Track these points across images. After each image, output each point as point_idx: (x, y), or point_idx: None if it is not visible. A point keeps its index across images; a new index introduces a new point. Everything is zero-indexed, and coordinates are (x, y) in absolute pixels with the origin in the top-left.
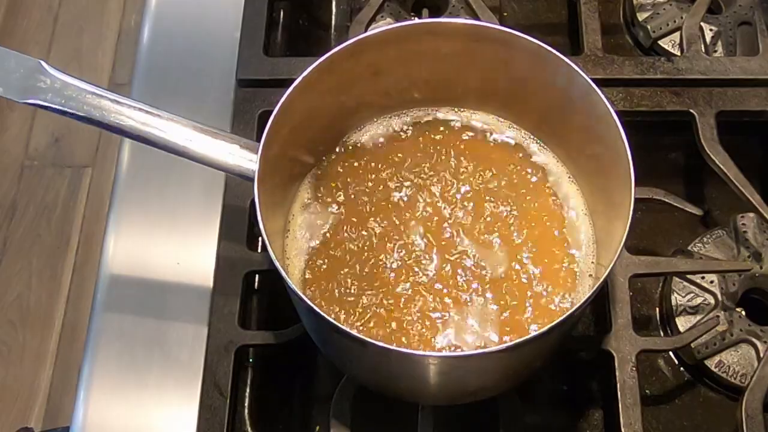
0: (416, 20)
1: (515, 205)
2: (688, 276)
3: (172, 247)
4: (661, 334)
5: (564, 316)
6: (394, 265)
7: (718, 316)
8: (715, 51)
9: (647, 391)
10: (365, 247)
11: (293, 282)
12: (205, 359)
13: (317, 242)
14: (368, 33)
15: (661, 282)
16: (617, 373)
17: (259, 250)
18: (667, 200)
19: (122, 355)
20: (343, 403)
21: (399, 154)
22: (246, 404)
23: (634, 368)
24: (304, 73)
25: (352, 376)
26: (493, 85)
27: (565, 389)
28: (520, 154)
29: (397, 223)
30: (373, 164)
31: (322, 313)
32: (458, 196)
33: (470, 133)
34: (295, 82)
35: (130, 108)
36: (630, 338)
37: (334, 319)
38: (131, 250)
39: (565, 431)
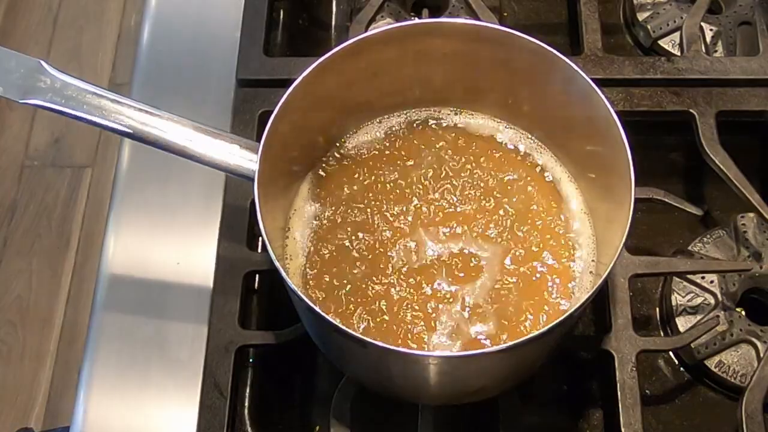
0: (416, 20)
1: (515, 206)
2: (688, 276)
3: (172, 247)
4: (661, 334)
5: (564, 316)
6: (393, 265)
7: (718, 316)
8: (715, 51)
9: (647, 391)
10: (365, 247)
11: (293, 282)
12: (205, 359)
13: (317, 242)
14: (368, 33)
15: (661, 282)
16: (617, 373)
17: (259, 250)
18: (667, 200)
19: (122, 355)
20: (343, 403)
21: (398, 155)
22: (246, 404)
23: (634, 368)
24: (304, 73)
25: (352, 376)
26: (493, 85)
27: (565, 389)
28: (520, 155)
29: (396, 223)
30: (372, 164)
31: (322, 313)
32: (458, 196)
33: (469, 134)
34: (295, 82)
35: (130, 108)
36: (630, 338)
37: (334, 318)
38: (131, 250)
39: (565, 431)
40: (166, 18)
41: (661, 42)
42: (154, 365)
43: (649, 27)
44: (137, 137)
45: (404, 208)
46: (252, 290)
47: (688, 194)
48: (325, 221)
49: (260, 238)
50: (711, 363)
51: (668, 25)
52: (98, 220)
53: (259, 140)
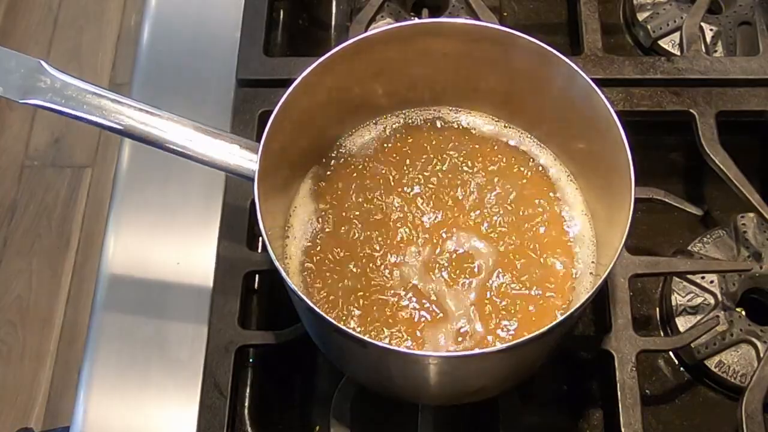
0: (416, 20)
1: (514, 205)
2: (688, 276)
3: (172, 247)
4: (661, 334)
5: (564, 316)
6: (393, 264)
7: (718, 316)
8: (715, 51)
9: (647, 391)
10: (364, 247)
11: (293, 282)
12: (205, 359)
13: (317, 242)
14: (368, 33)
15: (661, 282)
16: (617, 373)
17: (259, 250)
18: (667, 200)
19: (122, 355)
20: (343, 403)
21: (398, 154)
22: (246, 404)
23: (634, 368)
24: (304, 73)
25: (352, 376)
26: (493, 85)
27: (565, 389)
28: (520, 154)
29: (396, 222)
30: (372, 164)
31: (322, 313)
32: (457, 195)
33: (469, 134)
34: (295, 82)
35: (130, 108)
36: (630, 338)
37: (334, 318)
38: (131, 250)
39: (565, 431)
40: (166, 18)
41: (661, 42)
42: (154, 365)
43: (649, 27)
44: (137, 137)
45: (404, 208)
46: (252, 290)
47: (688, 194)
48: (325, 221)
49: (260, 238)
50: (711, 363)
51: (668, 25)
52: (98, 220)
53: (259, 140)
